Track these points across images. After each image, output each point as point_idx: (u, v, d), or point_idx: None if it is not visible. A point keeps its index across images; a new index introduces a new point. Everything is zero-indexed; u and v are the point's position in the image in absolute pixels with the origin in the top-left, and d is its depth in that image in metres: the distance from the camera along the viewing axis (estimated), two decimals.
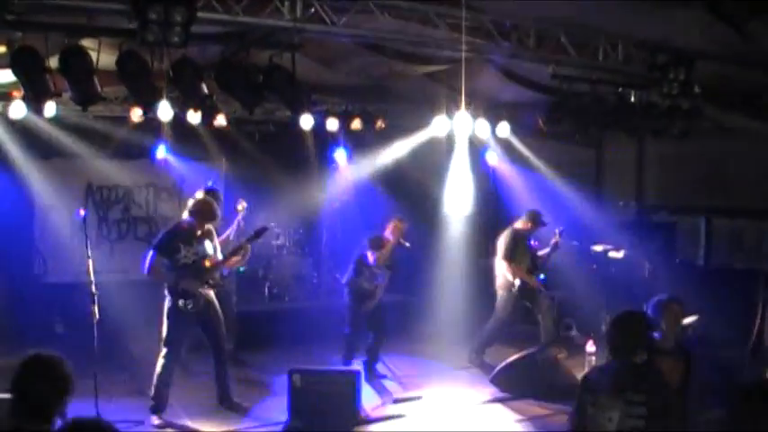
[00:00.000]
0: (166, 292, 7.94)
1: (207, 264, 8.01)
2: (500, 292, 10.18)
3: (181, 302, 7.81)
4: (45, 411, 3.56)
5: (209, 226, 8.17)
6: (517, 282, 9.97)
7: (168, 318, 7.91)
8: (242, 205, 9.72)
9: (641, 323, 4.67)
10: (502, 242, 10.17)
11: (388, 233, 9.45)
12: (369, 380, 9.11)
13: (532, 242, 10.58)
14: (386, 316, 9.62)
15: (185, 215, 8.24)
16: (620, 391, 4.47)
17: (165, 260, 7.87)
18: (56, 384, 3.60)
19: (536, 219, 10.24)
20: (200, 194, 8.74)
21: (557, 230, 10.29)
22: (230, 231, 9.59)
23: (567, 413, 5.18)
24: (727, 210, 10.89)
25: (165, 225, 8.52)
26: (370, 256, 9.22)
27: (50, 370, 3.63)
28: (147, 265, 7.86)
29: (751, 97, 8.97)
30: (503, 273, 10.09)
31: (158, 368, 7.87)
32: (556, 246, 10.30)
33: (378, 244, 9.23)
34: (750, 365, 8.48)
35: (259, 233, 8.24)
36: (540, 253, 10.41)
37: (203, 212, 8.10)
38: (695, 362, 5.15)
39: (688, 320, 8.95)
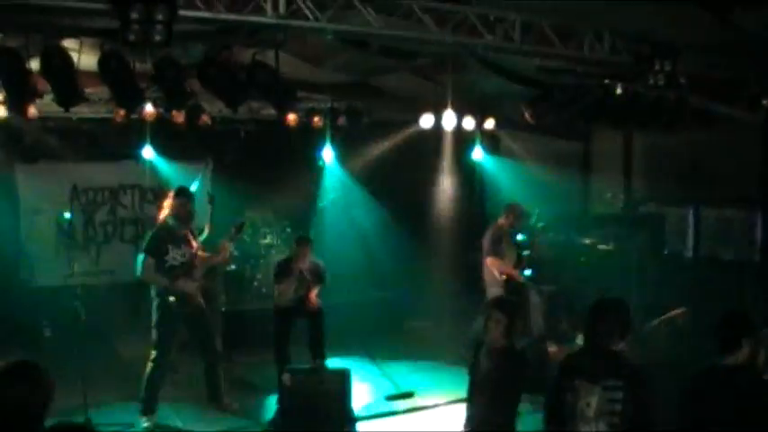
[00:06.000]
0: (154, 295, 7.89)
1: (195, 263, 7.98)
2: (489, 289, 10.17)
3: (172, 299, 7.76)
4: (26, 419, 3.46)
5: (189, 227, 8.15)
6: (503, 278, 9.99)
7: (158, 320, 7.86)
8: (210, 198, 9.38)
9: (620, 311, 4.66)
10: (486, 239, 10.17)
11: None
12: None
13: (519, 237, 10.60)
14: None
15: (164, 214, 8.14)
16: (598, 377, 4.46)
17: (155, 262, 7.81)
18: (36, 391, 3.51)
19: (516, 211, 10.19)
20: (171, 196, 8.53)
21: (534, 214, 10.32)
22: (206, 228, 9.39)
23: None
24: (714, 200, 10.89)
25: (152, 226, 8.43)
26: None
27: (31, 377, 3.54)
28: (140, 268, 7.80)
29: (735, 87, 8.95)
30: (490, 269, 10.09)
31: (148, 370, 7.83)
32: (535, 231, 10.32)
33: None
34: None
35: (239, 229, 8.36)
36: (525, 253, 10.42)
37: (183, 216, 8.04)
38: None
39: (675, 312, 9.02)
